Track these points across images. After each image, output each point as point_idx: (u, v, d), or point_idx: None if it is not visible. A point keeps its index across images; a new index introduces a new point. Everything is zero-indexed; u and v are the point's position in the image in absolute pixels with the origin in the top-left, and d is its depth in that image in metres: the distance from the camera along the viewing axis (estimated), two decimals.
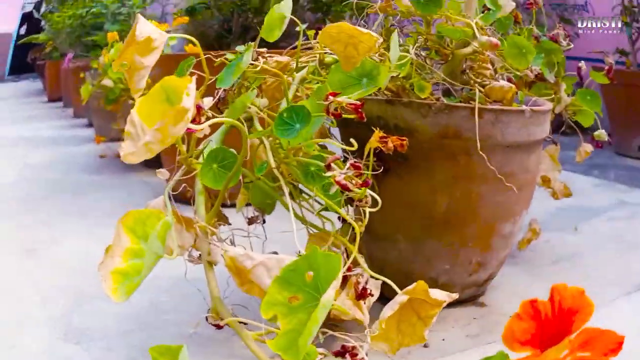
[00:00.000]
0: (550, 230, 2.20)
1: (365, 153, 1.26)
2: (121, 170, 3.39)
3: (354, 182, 1.18)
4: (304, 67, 1.49)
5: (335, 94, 1.21)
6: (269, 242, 1.45)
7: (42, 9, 15.44)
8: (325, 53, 1.50)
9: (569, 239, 2.13)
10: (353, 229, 1.23)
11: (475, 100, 1.42)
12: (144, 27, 1.25)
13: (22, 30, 16.49)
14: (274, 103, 1.54)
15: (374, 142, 1.25)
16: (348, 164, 1.19)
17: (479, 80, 1.54)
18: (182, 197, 1.32)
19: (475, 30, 1.50)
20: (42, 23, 9.20)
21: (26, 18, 16.11)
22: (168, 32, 2.08)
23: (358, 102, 1.20)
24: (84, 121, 5.19)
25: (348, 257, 1.25)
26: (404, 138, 1.26)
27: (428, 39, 1.59)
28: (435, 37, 1.58)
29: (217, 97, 1.54)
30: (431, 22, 1.60)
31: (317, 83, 1.47)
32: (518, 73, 1.69)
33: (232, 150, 1.31)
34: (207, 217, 1.30)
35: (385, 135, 1.26)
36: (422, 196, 1.45)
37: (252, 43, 1.41)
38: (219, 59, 1.56)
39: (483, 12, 1.62)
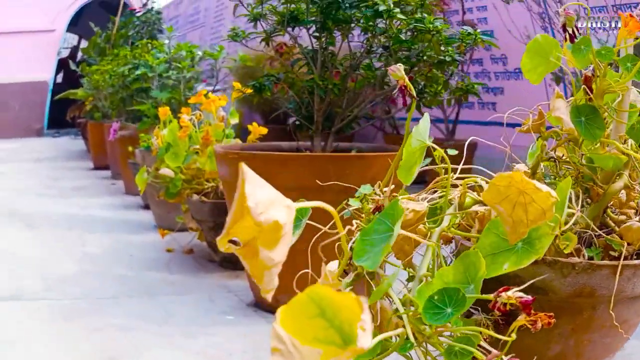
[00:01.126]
0: None
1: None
2: (194, 269, 3.09)
3: None
4: (438, 211, 1.32)
5: (506, 289, 1.08)
6: None
7: (78, 56, 15.22)
8: (466, 193, 1.33)
9: None
10: None
11: (614, 249, 1.32)
12: (261, 198, 0.96)
13: (59, 79, 16.30)
14: (403, 257, 1.35)
15: (521, 321, 1.09)
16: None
17: (622, 217, 1.40)
18: None
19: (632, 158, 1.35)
20: (79, 70, 8.88)
21: (62, 65, 15.86)
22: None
23: (529, 298, 1.07)
24: (138, 200, 4.79)
25: None
26: (551, 315, 1.11)
27: (581, 173, 1.41)
28: (586, 169, 1.40)
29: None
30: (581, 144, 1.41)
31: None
32: None
33: None
34: None
35: (534, 313, 1.09)
36: (536, 345, 1.36)
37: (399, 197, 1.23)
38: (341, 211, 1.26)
39: None
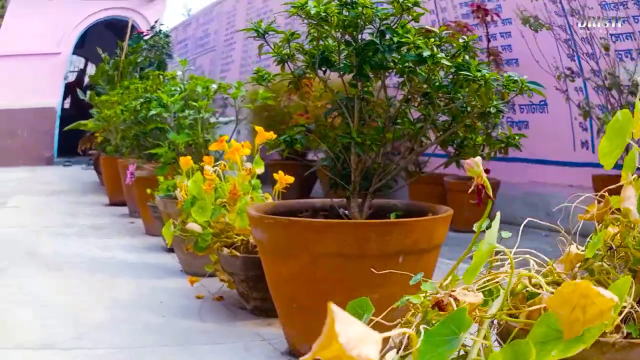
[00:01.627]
0: None
1: None
2: (226, 317, 2.95)
3: None
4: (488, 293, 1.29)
5: None
6: None
7: (85, 80, 14.97)
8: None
9: None
10: None
11: None
12: (352, 335, 0.88)
13: (66, 104, 16.03)
14: None
15: None
16: None
17: None
18: None
19: None
20: (87, 99, 8.65)
21: (69, 89, 15.57)
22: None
23: None
24: (160, 242, 4.61)
25: None
26: None
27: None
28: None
29: None
30: None
31: None
32: None
33: None
34: None
35: None
36: None
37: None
38: None
39: None
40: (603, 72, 4.51)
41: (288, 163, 6.49)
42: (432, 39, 2.03)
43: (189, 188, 2.80)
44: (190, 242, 2.90)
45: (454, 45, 2.13)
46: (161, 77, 5.42)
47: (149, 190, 4.55)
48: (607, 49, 4.49)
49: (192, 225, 2.77)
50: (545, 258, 1.41)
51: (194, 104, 4.04)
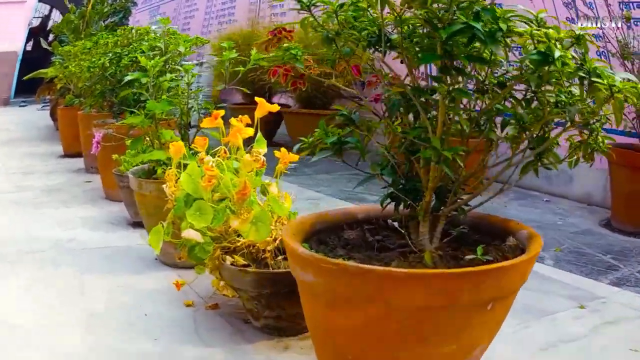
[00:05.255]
0: None
1: None
2: (230, 337, 2.28)
3: None
4: None
5: None
6: None
7: (49, 24, 14.31)
8: None
9: None
10: None
11: None
12: None
13: (29, 47, 15.46)
14: None
15: None
16: None
17: None
18: None
19: None
20: (50, 49, 7.87)
21: (32, 34, 15.11)
22: None
23: None
24: (122, 210, 3.90)
25: None
26: None
27: None
28: None
29: None
30: None
31: None
32: None
33: None
34: None
35: None
36: None
37: None
38: None
39: None
40: None
41: (251, 107, 5.83)
42: (551, 31, 1.40)
43: (182, 183, 2.12)
44: (182, 250, 2.23)
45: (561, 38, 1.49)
46: (134, 32, 4.65)
47: (115, 156, 3.85)
48: None
49: (190, 233, 2.09)
50: None
51: (178, 67, 3.34)
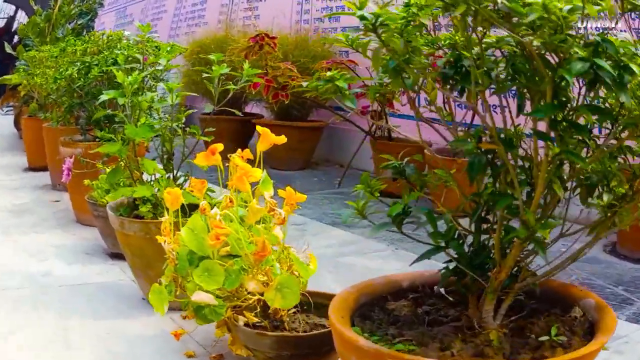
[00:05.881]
0: None
1: None
2: None
3: None
4: None
5: None
6: None
7: (14, 26, 13.82)
8: None
9: None
10: None
11: None
12: None
13: None
14: None
15: None
16: None
17: None
18: None
19: None
20: (15, 54, 7.41)
21: None
22: None
23: None
24: (98, 239, 3.47)
25: None
26: None
27: None
28: None
29: None
30: None
31: None
32: None
33: None
34: None
35: None
36: None
37: None
38: None
39: None
40: None
41: (221, 117, 5.49)
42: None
43: (184, 240, 1.72)
44: (188, 309, 1.85)
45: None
46: (106, 37, 4.22)
47: (86, 182, 3.42)
48: None
49: (200, 296, 1.69)
50: None
51: (160, 84, 2.92)
